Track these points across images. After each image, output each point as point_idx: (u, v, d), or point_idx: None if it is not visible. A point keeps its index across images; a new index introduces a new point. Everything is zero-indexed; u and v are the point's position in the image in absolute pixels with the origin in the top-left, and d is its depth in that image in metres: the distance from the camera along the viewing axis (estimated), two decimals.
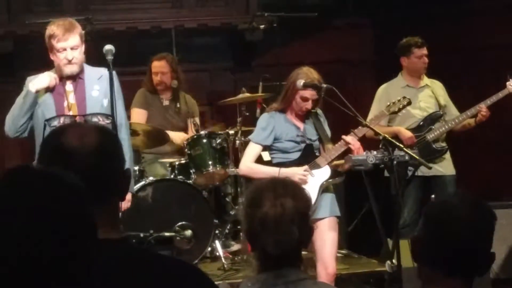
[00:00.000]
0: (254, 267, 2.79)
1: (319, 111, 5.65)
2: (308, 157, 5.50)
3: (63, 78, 5.25)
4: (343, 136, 5.43)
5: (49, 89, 5.19)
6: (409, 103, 5.83)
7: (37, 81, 5.16)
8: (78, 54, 5.16)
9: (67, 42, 5.11)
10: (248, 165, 5.55)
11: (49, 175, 1.50)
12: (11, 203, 1.41)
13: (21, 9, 8.37)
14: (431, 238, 2.32)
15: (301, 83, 5.36)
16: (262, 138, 5.53)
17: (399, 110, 5.81)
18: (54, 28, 5.12)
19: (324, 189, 5.49)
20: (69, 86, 5.26)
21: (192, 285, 1.94)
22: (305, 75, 5.42)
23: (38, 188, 1.44)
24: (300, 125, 5.56)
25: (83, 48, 5.22)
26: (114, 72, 5.26)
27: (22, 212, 1.40)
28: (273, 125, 5.50)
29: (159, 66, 7.50)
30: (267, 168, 5.47)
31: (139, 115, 7.32)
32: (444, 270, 2.29)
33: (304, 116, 5.57)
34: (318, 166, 5.48)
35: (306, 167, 5.44)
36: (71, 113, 5.17)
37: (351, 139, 5.40)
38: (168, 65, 7.51)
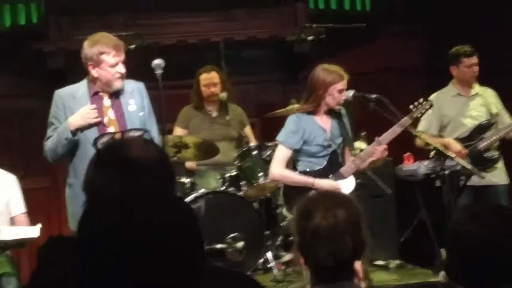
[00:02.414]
0: (307, 281, 2.78)
1: (343, 111, 5.64)
2: (333, 164, 5.49)
3: (98, 93, 5.24)
4: (374, 146, 5.39)
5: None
6: (431, 106, 5.74)
7: (75, 121, 5.10)
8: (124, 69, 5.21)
9: (121, 57, 5.15)
10: (280, 172, 5.55)
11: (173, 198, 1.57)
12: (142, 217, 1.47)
13: (70, 25, 8.48)
14: (452, 258, 2.32)
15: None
16: (294, 142, 5.52)
17: (422, 114, 5.75)
18: (104, 43, 5.13)
19: None
20: (107, 101, 5.25)
21: None
22: (335, 73, 5.42)
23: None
24: (327, 127, 5.54)
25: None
26: (143, 85, 5.30)
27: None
28: (303, 128, 5.49)
29: (210, 78, 7.55)
30: (301, 177, 5.45)
31: (177, 134, 7.41)
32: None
33: (330, 117, 5.53)
34: (342, 177, 5.46)
35: (338, 183, 5.39)
36: (112, 129, 5.17)
37: (380, 150, 5.37)
38: (218, 76, 7.57)
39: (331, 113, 5.56)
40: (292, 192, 5.45)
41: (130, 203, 1.50)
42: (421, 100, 5.84)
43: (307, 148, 5.49)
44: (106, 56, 5.13)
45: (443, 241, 5.37)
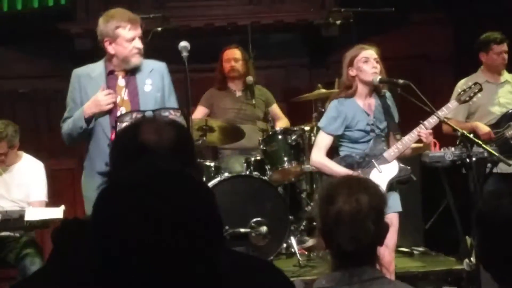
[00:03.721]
0: (329, 265, 2.76)
1: (388, 94, 5.51)
2: (376, 149, 5.37)
3: (114, 72, 5.15)
4: (418, 130, 5.30)
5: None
6: (481, 90, 5.69)
7: (88, 109, 5.02)
8: (142, 44, 5.11)
9: (137, 31, 5.05)
10: (321, 160, 5.42)
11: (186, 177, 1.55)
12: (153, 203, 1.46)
13: (99, 7, 8.48)
14: (483, 240, 2.27)
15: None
16: (335, 128, 5.39)
17: (470, 98, 5.69)
18: (119, 18, 5.04)
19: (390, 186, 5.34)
20: (121, 81, 5.14)
21: (268, 280, 1.92)
22: (356, 47, 5.41)
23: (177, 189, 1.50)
24: (370, 111, 5.41)
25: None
26: (164, 65, 5.22)
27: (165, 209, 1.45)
28: (344, 113, 5.36)
29: (231, 53, 7.59)
30: (342, 169, 5.29)
31: (198, 112, 7.48)
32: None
33: (374, 100, 5.47)
34: (385, 161, 5.34)
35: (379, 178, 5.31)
36: (123, 109, 5.05)
37: (425, 134, 5.29)
38: (240, 53, 7.58)
39: (376, 97, 5.47)
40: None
41: (142, 187, 1.48)
42: (470, 83, 5.80)
43: (349, 133, 5.38)
44: (122, 30, 5.02)
45: (471, 226, 5.32)
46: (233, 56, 7.57)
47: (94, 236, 1.48)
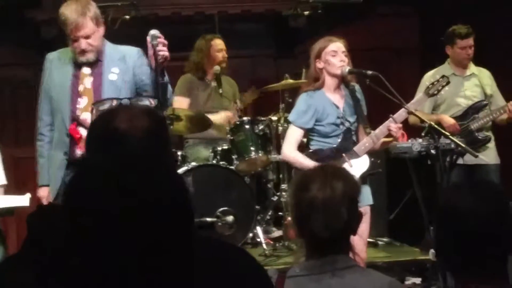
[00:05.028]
0: (297, 255, 2.77)
1: (357, 87, 5.51)
2: (346, 143, 5.37)
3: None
4: (388, 124, 5.33)
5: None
6: (448, 83, 5.71)
7: None
8: (93, 41, 4.97)
9: (80, 33, 4.93)
10: (293, 153, 5.39)
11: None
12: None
13: None
14: (443, 235, 2.31)
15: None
16: (305, 121, 5.36)
17: (439, 91, 5.72)
18: (66, 14, 4.93)
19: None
20: (85, 69, 5.04)
21: (242, 265, 1.92)
22: (324, 39, 5.42)
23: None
24: (340, 103, 5.40)
25: (99, 31, 5.01)
26: (137, 50, 5.09)
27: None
28: (314, 106, 5.34)
29: (220, 43, 7.58)
30: (313, 163, 5.10)
31: (181, 104, 7.28)
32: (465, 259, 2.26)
33: (343, 93, 5.47)
34: (356, 155, 5.34)
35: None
36: (85, 99, 4.99)
37: (395, 128, 5.31)
38: None
39: (345, 90, 5.47)
40: None
41: (111, 172, 1.48)
42: (437, 76, 5.84)
43: (320, 128, 5.36)
44: (66, 28, 4.95)
45: (434, 218, 5.38)
46: (223, 46, 7.56)
47: (65, 220, 1.48)
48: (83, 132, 4.95)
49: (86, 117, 4.94)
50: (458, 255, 2.27)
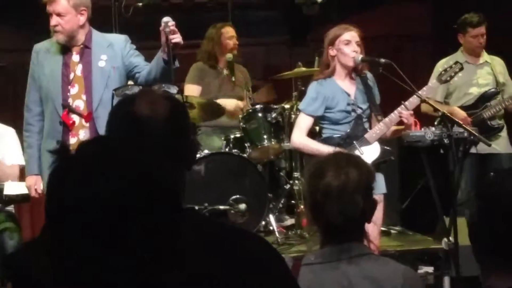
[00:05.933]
0: (310, 244, 2.77)
1: (369, 75, 5.51)
2: (357, 130, 5.37)
3: (69, 47, 5.12)
4: (400, 110, 5.31)
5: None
6: (461, 69, 5.69)
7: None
8: (65, 23, 5.01)
9: (52, 7, 5.00)
10: (301, 140, 5.42)
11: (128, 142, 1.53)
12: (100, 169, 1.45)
13: None
14: (483, 217, 2.16)
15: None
16: (314, 109, 5.38)
17: (451, 78, 5.69)
18: None
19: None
20: (75, 56, 5.11)
21: (258, 250, 1.92)
22: (338, 27, 5.40)
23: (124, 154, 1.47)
24: (351, 91, 5.41)
25: (76, 17, 5.04)
26: (125, 37, 5.17)
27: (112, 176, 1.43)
28: (323, 94, 5.36)
29: (231, 30, 7.54)
30: (322, 146, 5.26)
31: (193, 91, 7.26)
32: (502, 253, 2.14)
33: (355, 81, 5.46)
34: (367, 143, 5.34)
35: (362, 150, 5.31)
36: (76, 87, 5.05)
37: (407, 115, 5.29)
38: None
39: (357, 78, 5.47)
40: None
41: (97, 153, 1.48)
42: (451, 62, 5.81)
43: (330, 115, 5.37)
44: (44, 4, 5.02)
45: (449, 206, 5.34)
46: (234, 34, 7.54)
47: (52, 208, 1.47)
48: (76, 118, 5.01)
49: (78, 104, 5.01)
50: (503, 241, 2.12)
